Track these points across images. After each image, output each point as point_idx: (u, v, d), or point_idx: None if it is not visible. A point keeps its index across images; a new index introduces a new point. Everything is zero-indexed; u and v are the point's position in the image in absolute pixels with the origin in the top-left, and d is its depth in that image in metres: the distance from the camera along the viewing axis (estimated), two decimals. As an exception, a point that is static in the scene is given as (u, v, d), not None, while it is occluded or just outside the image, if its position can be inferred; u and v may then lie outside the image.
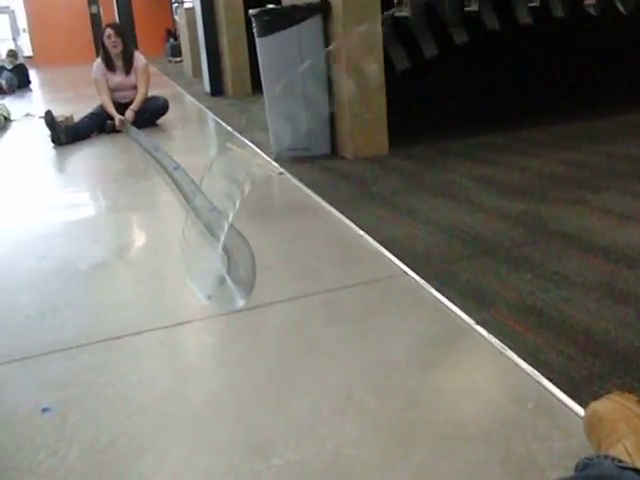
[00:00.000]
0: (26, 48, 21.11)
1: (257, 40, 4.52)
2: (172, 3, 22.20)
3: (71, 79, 13.30)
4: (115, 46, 5.99)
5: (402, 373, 1.74)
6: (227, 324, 2.13)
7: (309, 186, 3.66)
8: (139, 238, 3.23)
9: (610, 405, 1.27)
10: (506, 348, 1.81)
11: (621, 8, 3.82)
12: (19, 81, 11.73)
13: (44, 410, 1.68)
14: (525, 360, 1.74)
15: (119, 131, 5.85)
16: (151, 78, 6.34)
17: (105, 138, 5.82)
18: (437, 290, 2.21)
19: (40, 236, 3.21)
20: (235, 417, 1.61)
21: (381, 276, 2.41)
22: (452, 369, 1.81)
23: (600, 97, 5.23)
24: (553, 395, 1.58)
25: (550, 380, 1.64)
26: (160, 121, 6.33)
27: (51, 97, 10.54)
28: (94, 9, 21.09)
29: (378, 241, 2.71)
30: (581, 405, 1.49)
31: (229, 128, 5.92)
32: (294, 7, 4.33)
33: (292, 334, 2.00)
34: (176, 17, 18.09)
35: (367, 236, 2.79)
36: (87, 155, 5.32)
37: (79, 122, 5.88)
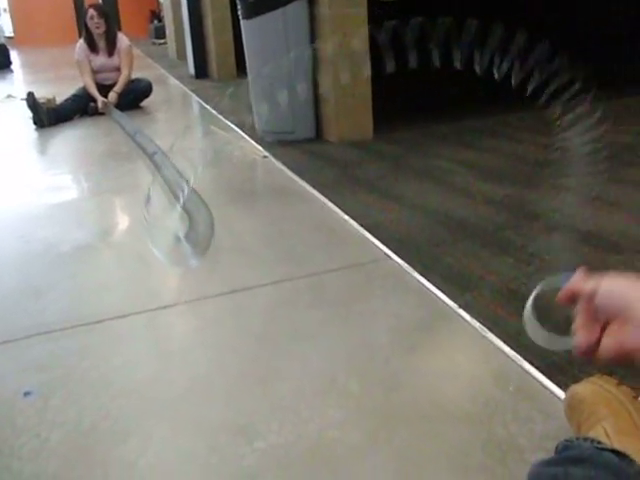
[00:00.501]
0: (7, 28, 20.80)
1: (242, 22, 4.49)
2: (156, -16, 21.97)
3: (53, 60, 13.14)
4: (98, 27, 5.92)
5: (385, 356, 1.75)
6: (211, 307, 2.13)
7: (293, 170, 3.65)
8: (122, 221, 3.21)
9: (590, 388, 1.29)
10: (488, 332, 1.82)
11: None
12: (0, 62, 11.58)
13: (26, 393, 1.67)
14: (507, 343, 1.75)
15: (102, 113, 5.80)
16: (134, 60, 6.29)
17: (88, 120, 5.77)
18: (420, 274, 2.22)
19: (22, 219, 3.18)
20: (219, 400, 1.61)
21: (365, 260, 2.42)
22: (435, 352, 1.82)
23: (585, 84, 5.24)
24: (534, 378, 1.60)
25: (531, 363, 1.65)
26: (144, 103, 6.27)
27: (33, 78, 10.41)
28: (77, -11, 20.83)
29: (362, 225, 2.72)
30: (562, 388, 1.51)
31: (213, 111, 5.88)
32: (279, -11, 4.30)
33: (276, 317, 2.00)
34: (160, -2, 17.91)
35: (351, 220, 2.79)
36: (70, 137, 5.28)
37: (61, 104, 5.82)
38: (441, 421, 1.46)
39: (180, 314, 2.14)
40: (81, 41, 6.08)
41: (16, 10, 20.83)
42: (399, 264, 2.33)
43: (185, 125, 5.52)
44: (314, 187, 3.30)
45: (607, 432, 1.17)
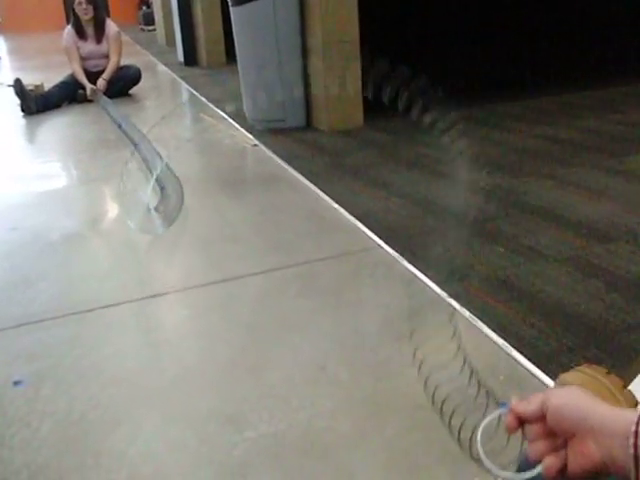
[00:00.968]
0: (-6, 14, 20.61)
1: (231, 9, 4.46)
2: (145, -31, 21.78)
3: (41, 47, 13.03)
4: (86, 13, 5.87)
5: (375, 345, 1.76)
6: (201, 296, 2.13)
7: (283, 158, 3.64)
8: (111, 209, 3.20)
9: (579, 377, 1.29)
10: (478, 321, 1.83)
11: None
12: (-13, 48, 11.46)
13: (16, 383, 1.67)
14: (496, 333, 1.76)
15: (90, 100, 5.76)
16: (123, 47, 6.23)
17: (76, 108, 5.73)
18: (410, 263, 2.23)
19: (11, 207, 3.16)
20: (209, 389, 1.62)
21: (355, 249, 2.42)
22: (425, 341, 1.83)
23: (575, 72, 5.25)
24: (523, 367, 1.61)
25: (521, 352, 1.66)
26: (132, 91, 6.23)
27: (20, 65, 10.32)
28: (64, -25, 20.62)
29: (352, 214, 2.72)
30: (551, 377, 1.52)
31: (203, 99, 5.85)
32: (269, -24, 4.27)
33: (266, 306, 2.00)
34: (149, -16, 17.76)
35: (341, 209, 2.79)
36: (58, 125, 5.24)
37: (49, 91, 5.77)
38: (431, 410, 1.46)
39: (171, 303, 2.13)
40: (69, 27, 6.02)
41: (3, -4, 20.60)
42: (389, 253, 2.33)
43: (170, 111, 5.48)
44: (304, 176, 3.29)
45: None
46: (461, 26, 4.90)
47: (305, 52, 4.29)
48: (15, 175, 3.74)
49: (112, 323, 1.99)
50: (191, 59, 8.54)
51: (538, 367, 1.59)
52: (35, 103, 5.44)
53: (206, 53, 8.28)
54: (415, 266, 2.20)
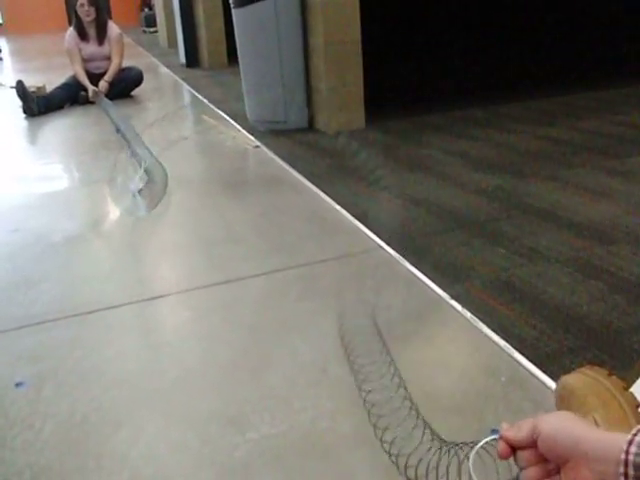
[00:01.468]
0: (-4, 16, 20.64)
1: (233, 11, 4.46)
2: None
3: (43, 48, 13.05)
4: (88, 15, 5.88)
5: (377, 347, 1.75)
6: (203, 298, 2.13)
7: (285, 159, 3.65)
8: (113, 211, 3.20)
9: (581, 378, 1.29)
10: (479, 322, 1.83)
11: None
12: (-11, 50, 11.49)
13: (18, 384, 1.67)
14: (498, 334, 1.76)
15: (93, 102, 5.77)
16: (125, 49, 6.25)
17: (78, 109, 5.74)
18: (412, 264, 2.23)
19: (13, 208, 3.17)
20: (211, 390, 1.62)
21: (357, 250, 2.42)
22: (426, 343, 1.83)
23: (576, 73, 5.25)
24: (525, 368, 1.61)
25: (522, 354, 1.66)
26: (134, 92, 6.24)
27: (22, 67, 10.34)
28: (66, -24, 20.64)
29: (354, 215, 2.72)
30: (552, 378, 1.52)
31: (204, 100, 5.86)
32: (271, -23, 4.27)
33: (268, 308, 2.00)
34: (151, -14, 17.76)
35: (343, 210, 2.79)
36: (60, 126, 5.25)
37: (52, 93, 5.78)
38: (433, 411, 1.46)
39: (172, 305, 2.13)
40: (71, 29, 6.03)
41: (5, -2, 20.64)
42: (390, 254, 2.33)
43: (172, 112, 5.49)
44: (306, 177, 3.29)
45: (597, 422, 1.17)
46: (463, 27, 4.90)
47: (307, 53, 4.30)
48: (17, 176, 3.75)
49: (114, 325, 1.99)
50: (193, 60, 8.55)
51: (539, 368, 1.59)
52: (37, 105, 5.46)
53: (208, 55, 8.29)
54: (417, 267, 2.20)
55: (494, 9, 4.93)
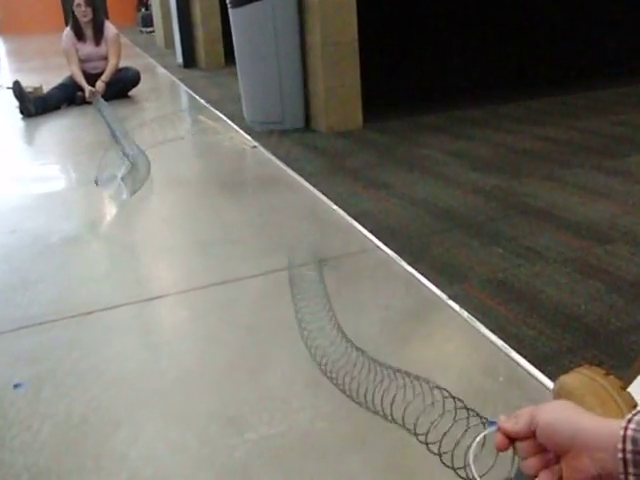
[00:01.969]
0: (-8, 16, 20.59)
1: (230, 11, 4.46)
2: (143, -29, 21.75)
3: (40, 48, 13.03)
4: (85, 15, 5.87)
5: (375, 347, 1.75)
6: (201, 298, 2.13)
7: (282, 160, 3.65)
8: (110, 212, 3.20)
9: (579, 378, 1.29)
10: (477, 322, 1.83)
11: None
12: (-15, 50, 11.45)
13: (16, 385, 1.67)
14: (496, 334, 1.76)
15: (90, 103, 5.76)
16: (122, 49, 6.24)
17: (75, 110, 5.73)
18: (410, 264, 2.23)
19: (10, 209, 3.16)
20: (209, 391, 1.62)
21: (354, 250, 2.42)
22: (425, 343, 1.83)
23: (574, 73, 5.25)
24: (523, 368, 1.61)
25: (520, 354, 1.66)
26: (132, 93, 6.24)
27: (19, 67, 10.32)
28: (63, -24, 20.60)
29: (351, 215, 2.72)
30: (550, 378, 1.52)
31: (202, 100, 5.86)
32: (268, -22, 4.27)
33: (266, 308, 2.00)
34: (147, -14, 17.74)
35: (340, 210, 2.79)
36: (57, 127, 5.24)
37: (48, 93, 5.77)
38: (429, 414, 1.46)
39: (170, 305, 2.13)
40: (68, 29, 6.02)
41: (1, -2, 20.60)
42: (388, 254, 2.33)
43: (170, 113, 5.49)
44: (303, 177, 3.29)
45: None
46: (461, 27, 4.90)
47: (304, 53, 4.30)
48: (14, 177, 3.74)
49: (111, 325, 1.99)
50: (190, 61, 8.54)
51: (537, 368, 1.59)
52: (34, 105, 5.45)
53: (205, 55, 8.28)
54: (415, 267, 2.20)
55: (492, 9, 4.93)
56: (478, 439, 0.83)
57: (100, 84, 5.86)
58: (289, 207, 2.94)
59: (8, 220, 2.97)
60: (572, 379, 1.31)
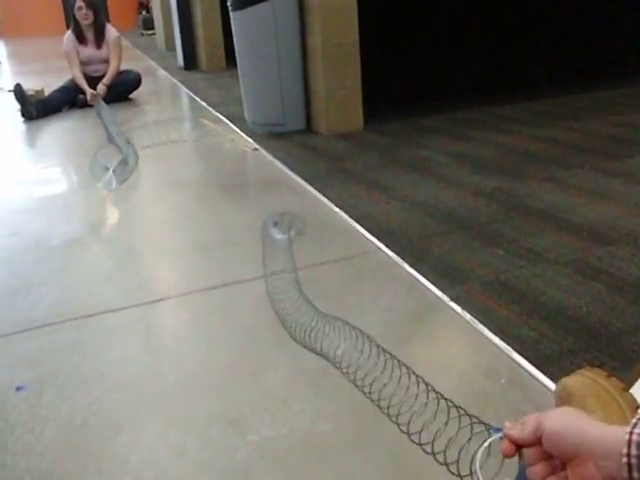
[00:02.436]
0: (-7, 19, 20.62)
1: (231, 13, 4.46)
2: (144, -26, 21.78)
3: (41, 51, 13.04)
4: (86, 18, 5.87)
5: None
6: (202, 301, 2.13)
7: (283, 162, 3.65)
8: (112, 214, 3.20)
9: (580, 380, 1.29)
10: (479, 323, 1.83)
11: None
12: (-14, 53, 11.47)
13: (18, 388, 1.67)
14: (498, 336, 1.76)
15: (91, 105, 5.76)
16: (123, 51, 6.24)
17: (76, 112, 5.73)
18: (411, 266, 2.23)
19: (12, 212, 3.17)
20: (210, 393, 1.62)
21: (356, 252, 2.42)
22: (426, 345, 1.83)
23: (574, 74, 5.25)
24: (525, 370, 1.61)
25: (522, 355, 1.66)
26: (133, 95, 6.24)
27: (20, 70, 10.33)
28: (64, -21, 20.64)
29: (353, 217, 2.72)
30: (552, 380, 1.52)
31: (203, 103, 5.86)
32: (269, -20, 4.28)
33: (267, 311, 2.00)
34: (148, -12, 17.76)
35: (342, 212, 2.80)
36: (58, 130, 5.24)
37: (50, 96, 5.78)
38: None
39: (171, 308, 2.13)
40: (69, 32, 6.03)
41: (2, 0, 20.62)
42: (390, 256, 2.33)
43: (171, 115, 5.49)
44: (304, 179, 3.30)
45: (597, 424, 1.17)
46: (461, 28, 4.90)
47: (305, 55, 4.30)
48: (16, 180, 3.75)
49: (113, 328, 1.99)
50: (191, 63, 8.55)
51: (539, 370, 1.59)
52: (35, 108, 5.45)
53: (206, 57, 8.29)
54: (416, 269, 2.20)
55: (492, 10, 4.93)
56: (485, 445, 0.83)
57: (101, 87, 5.86)
58: (290, 209, 2.94)
59: (10, 223, 2.98)
60: (574, 381, 1.31)
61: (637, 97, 4.82)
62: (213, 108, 5.49)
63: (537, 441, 0.71)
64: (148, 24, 15.48)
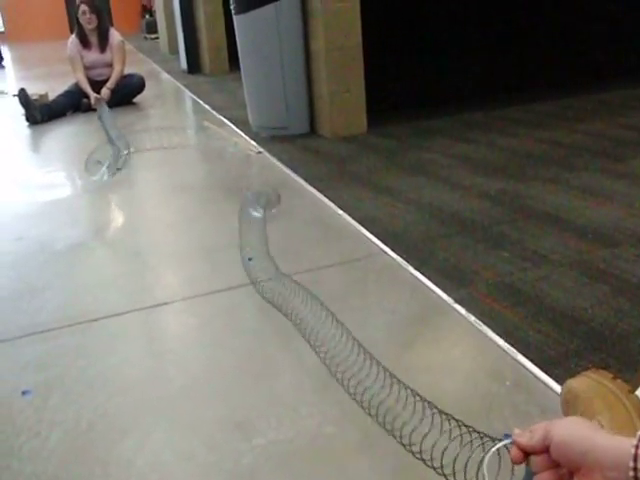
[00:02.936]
0: (-3, 24, 20.69)
1: (235, 17, 4.47)
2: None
3: (45, 56, 13.08)
4: (90, 22, 5.90)
5: (381, 352, 1.75)
6: (207, 304, 2.13)
7: (288, 165, 3.65)
8: (116, 218, 3.21)
9: (586, 382, 1.29)
10: (483, 326, 1.83)
11: None
12: (-9, 58, 11.51)
13: (24, 393, 1.67)
14: (503, 338, 1.76)
15: (95, 110, 5.78)
16: (127, 55, 6.26)
17: (80, 117, 5.75)
18: (416, 269, 2.23)
19: (16, 217, 3.18)
20: (216, 397, 1.62)
21: (360, 255, 2.42)
22: (431, 347, 1.83)
23: (578, 75, 5.25)
24: (530, 372, 1.61)
25: (527, 357, 1.66)
26: (136, 99, 6.26)
27: (25, 74, 10.37)
28: (67, -16, 20.69)
29: (357, 220, 2.72)
30: (558, 382, 1.52)
31: (206, 106, 5.87)
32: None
33: (271, 314, 2.00)
34: (151, -8, 17.79)
35: (346, 215, 2.80)
36: (63, 134, 5.26)
37: (54, 100, 5.80)
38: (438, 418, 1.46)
39: (176, 311, 2.14)
40: (73, 37, 6.05)
41: (7, 5, 20.70)
42: (394, 259, 2.34)
43: (175, 119, 5.50)
44: (309, 182, 3.30)
45: (603, 426, 1.17)
46: (463, 30, 4.90)
47: (308, 58, 4.31)
48: (20, 184, 3.76)
49: (118, 332, 1.99)
50: (194, 67, 8.57)
51: (545, 372, 1.59)
52: (40, 112, 5.47)
53: (209, 61, 8.31)
54: (421, 272, 2.20)
55: (495, 12, 4.93)
56: (493, 450, 0.83)
57: (105, 91, 5.88)
58: (295, 212, 2.94)
59: (14, 227, 2.99)
60: (579, 383, 1.31)
61: (641, 98, 4.81)
62: (217, 112, 5.50)
63: (545, 449, 0.72)
64: (151, 28, 15.54)
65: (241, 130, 4.65)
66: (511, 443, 0.76)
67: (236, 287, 2.20)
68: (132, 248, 2.69)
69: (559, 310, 1.89)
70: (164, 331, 2.06)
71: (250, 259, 2.29)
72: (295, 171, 3.52)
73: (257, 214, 2.73)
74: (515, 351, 1.69)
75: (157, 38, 13.52)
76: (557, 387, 1.50)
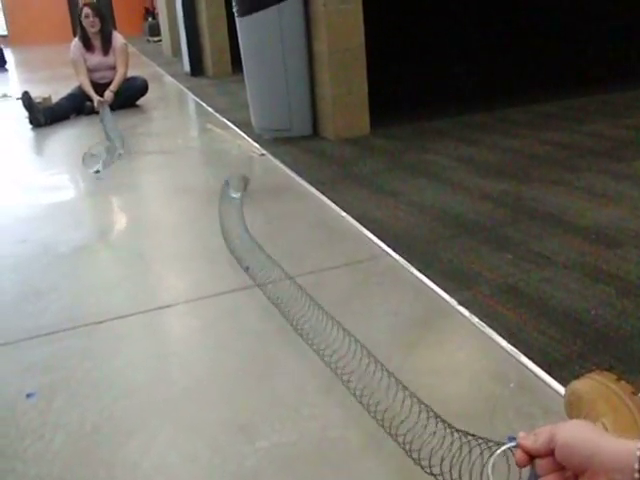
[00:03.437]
0: (0, 27, 20.73)
1: (237, 19, 4.48)
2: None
3: (48, 59, 13.11)
4: (93, 25, 5.91)
5: (384, 353, 1.75)
6: (210, 307, 2.13)
7: (291, 167, 3.66)
8: (120, 221, 3.21)
9: (590, 384, 1.29)
10: (487, 327, 1.83)
11: None
12: (-6, 61, 11.55)
13: (28, 395, 1.67)
14: (506, 340, 1.76)
15: (98, 112, 5.79)
16: (130, 58, 6.27)
17: (84, 119, 5.76)
18: (419, 271, 2.23)
19: (20, 219, 3.18)
20: (220, 399, 1.62)
21: (363, 257, 2.42)
22: (434, 349, 1.83)
23: (580, 77, 5.25)
24: (534, 374, 1.61)
25: (531, 359, 1.66)
26: (140, 102, 6.27)
27: (28, 77, 10.39)
28: (70, -13, 20.72)
29: (360, 222, 2.72)
30: (561, 384, 1.52)
31: (209, 109, 5.88)
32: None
33: (275, 316, 2.01)
34: (154, -5, 17.81)
35: (349, 217, 2.80)
36: (66, 137, 5.27)
37: (57, 103, 5.81)
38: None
39: (180, 314, 2.14)
40: (76, 40, 6.07)
41: (10, 8, 20.74)
42: (397, 261, 2.34)
43: (178, 121, 5.51)
44: (311, 184, 3.30)
45: (606, 428, 1.17)
46: (465, 31, 4.91)
47: (311, 60, 4.31)
48: (24, 187, 3.77)
49: (122, 335, 2.00)
50: (197, 69, 8.58)
51: (548, 374, 1.59)
52: (43, 115, 5.48)
53: (212, 63, 8.32)
54: (424, 274, 2.20)
55: (498, 13, 4.93)
56: (498, 452, 0.83)
57: (108, 94, 5.89)
58: (297, 214, 2.95)
59: (18, 230, 2.99)
60: (583, 384, 1.31)
61: (644, 99, 4.81)
62: (220, 114, 5.51)
63: (550, 452, 0.72)
64: (154, 31, 15.56)
65: (244, 132, 4.65)
66: (515, 446, 0.76)
67: (239, 289, 2.21)
68: (136, 250, 2.69)
69: (563, 312, 1.89)
70: (168, 333, 2.06)
71: (247, 268, 2.30)
72: (298, 173, 3.52)
73: (235, 196, 3.06)
74: (519, 353, 1.69)
75: (160, 41, 13.53)
76: (561, 389, 1.50)
